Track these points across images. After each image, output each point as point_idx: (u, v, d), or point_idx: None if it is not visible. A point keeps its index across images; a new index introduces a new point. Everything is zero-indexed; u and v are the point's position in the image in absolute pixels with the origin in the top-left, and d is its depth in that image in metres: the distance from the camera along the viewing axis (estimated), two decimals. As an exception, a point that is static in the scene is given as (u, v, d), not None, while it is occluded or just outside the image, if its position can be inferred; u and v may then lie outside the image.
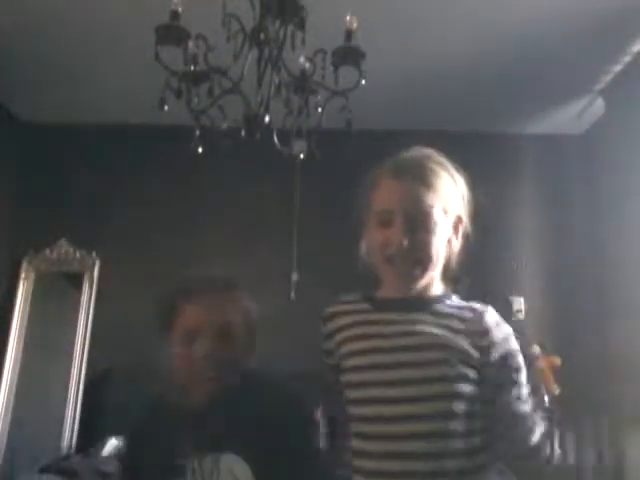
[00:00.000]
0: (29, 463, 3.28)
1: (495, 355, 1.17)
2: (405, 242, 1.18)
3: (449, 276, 1.28)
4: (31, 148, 3.96)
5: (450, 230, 1.25)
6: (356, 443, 1.17)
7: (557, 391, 3.26)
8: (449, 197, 1.24)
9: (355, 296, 1.34)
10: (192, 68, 1.99)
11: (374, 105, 3.19)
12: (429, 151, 1.29)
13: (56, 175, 3.92)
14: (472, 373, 1.14)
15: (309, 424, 1.22)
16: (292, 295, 3.82)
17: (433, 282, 1.26)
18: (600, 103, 3.50)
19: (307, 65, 2.06)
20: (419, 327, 1.19)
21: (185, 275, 1.29)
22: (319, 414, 3.55)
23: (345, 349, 1.23)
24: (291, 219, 3.93)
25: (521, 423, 1.21)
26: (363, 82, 1.99)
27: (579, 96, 3.51)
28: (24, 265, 3.81)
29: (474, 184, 1.31)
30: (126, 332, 3.32)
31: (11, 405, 3.56)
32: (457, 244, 1.27)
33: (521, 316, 3.61)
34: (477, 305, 1.25)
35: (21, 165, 3.92)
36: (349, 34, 1.97)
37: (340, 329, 1.27)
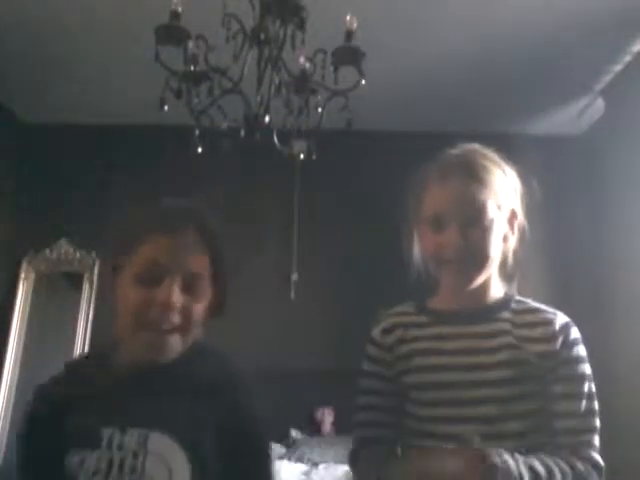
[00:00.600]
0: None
1: (561, 359, 1.13)
2: (461, 243, 1.14)
3: (507, 273, 1.24)
4: (31, 148, 3.96)
5: (505, 226, 1.20)
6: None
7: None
8: (501, 191, 1.19)
9: (409, 307, 1.28)
10: (192, 68, 1.99)
11: (374, 105, 3.19)
12: (475, 146, 1.24)
13: (56, 175, 3.92)
14: (538, 385, 1.12)
15: (263, 423, 1.03)
16: (292, 295, 3.83)
17: (491, 282, 1.22)
18: (600, 103, 3.50)
19: (307, 65, 2.06)
20: (483, 342, 1.15)
21: (147, 208, 1.11)
22: (324, 415, 3.55)
23: (411, 364, 1.18)
24: (291, 219, 3.93)
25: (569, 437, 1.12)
26: (363, 82, 1.99)
27: (579, 96, 3.51)
28: (24, 265, 3.81)
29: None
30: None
31: (11, 405, 3.56)
32: (513, 239, 1.22)
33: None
34: (544, 308, 1.20)
35: (21, 165, 3.91)
36: (349, 34, 1.97)
37: (401, 342, 1.21)
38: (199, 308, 1.01)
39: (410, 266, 1.27)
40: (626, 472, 2.92)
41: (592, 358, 1.18)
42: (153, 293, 0.97)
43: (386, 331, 1.25)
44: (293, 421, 3.45)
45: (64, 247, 3.86)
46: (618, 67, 3.23)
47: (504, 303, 1.21)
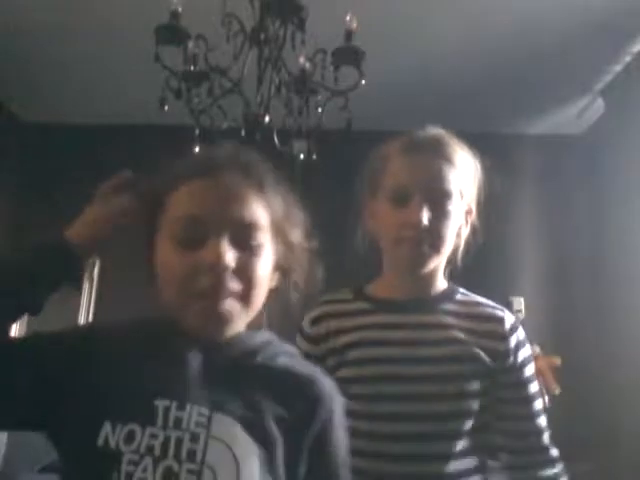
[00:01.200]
0: (29, 463, 3.28)
1: (511, 362, 1.09)
2: (425, 222, 1.05)
3: (450, 269, 1.18)
4: (31, 148, 3.96)
5: (462, 217, 1.14)
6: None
7: (557, 391, 3.28)
8: (467, 180, 1.12)
9: (345, 295, 1.19)
10: (192, 68, 1.99)
11: (374, 105, 3.18)
12: (443, 130, 1.16)
13: (56, 175, 3.92)
14: (486, 382, 1.06)
15: (342, 424, 0.86)
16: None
17: (438, 272, 1.14)
18: (600, 103, 3.50)
19: (307, 65, 2.06)
20: (430, 333, 1.08)
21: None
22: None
23: (348, 356, 1.08)
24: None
25: (529, 439, 1.10)
26: (363, 82, 1.99)
27: (579, 96, 3.51)
28: (24, 265, 3.81)
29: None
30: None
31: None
32: (464, 235, 1.16)
33: (521, 316, 3.60)
34: (491, 304, 1.14)
35: (21, 165, 3.91)
36: (349, 34, 1.97)
37: (334, 333, 1.11)
38: (261, 266, 0.81)
39: (353, 246, 1.20)
40: (627, 474, 2.92)
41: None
42: (199, 256, 0.78)
43: (315, 321, 1.14)
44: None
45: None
46: (618, 67, 3.23)
47: (449, 294, 1.15)
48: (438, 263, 1.12)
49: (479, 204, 1.17)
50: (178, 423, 0.74)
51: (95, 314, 3.73)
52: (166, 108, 2.00)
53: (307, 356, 1.07)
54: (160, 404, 0.75)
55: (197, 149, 2.13)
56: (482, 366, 1.06)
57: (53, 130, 3.96)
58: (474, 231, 1.18)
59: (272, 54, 2.04)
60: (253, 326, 0.88)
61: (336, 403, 0.85)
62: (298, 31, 1.98)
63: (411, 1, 2.77)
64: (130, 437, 0.72)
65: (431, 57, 3.18)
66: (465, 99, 3.49)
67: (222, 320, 0.80)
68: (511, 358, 1.09)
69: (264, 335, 0.88)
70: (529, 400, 1.11)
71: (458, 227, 1.12)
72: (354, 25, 1.97)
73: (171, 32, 1.92)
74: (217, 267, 0.77)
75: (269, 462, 0.76)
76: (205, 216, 0.80)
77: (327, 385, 0.85)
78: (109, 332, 0.86)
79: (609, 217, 3.50)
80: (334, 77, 2.02)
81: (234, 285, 0.79)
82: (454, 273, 1.19)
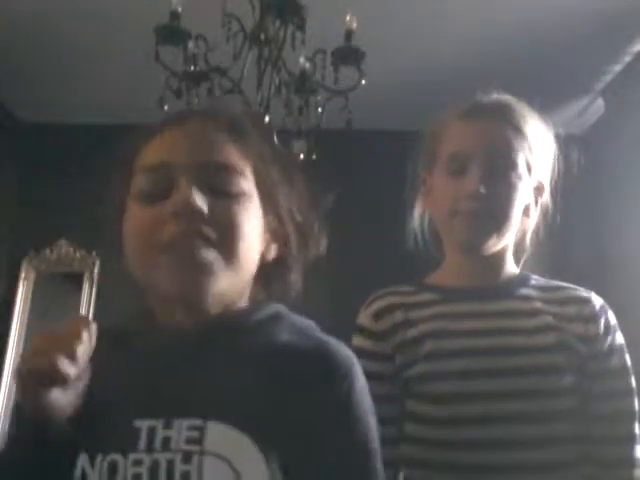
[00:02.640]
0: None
1: (603, 346, 0.94)
2: (482, 190, 0.91)
3: (520, 254, 1.04)
4: (31, 148, 3.95)
5: (531, 196, 0.98)
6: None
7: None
8: (537, 151, 0.97)
9: (405, 287, 1.02)
10: (192, 68, 1.99)
11: (374, 105, 3.18)
12: (512, 97, 1.03)
13: (56, 175, 3.92)
14: (578, 376, 0.91)
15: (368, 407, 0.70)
16: (292, 295, 3.82)
17: (507, 256, 1.00)
18: (600, 103, 3.50)
19: (307, 65, 2.06)
20: (515, 321, 0.93)
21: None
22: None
23: (420, 350, 0.92)
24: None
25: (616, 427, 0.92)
26: (363, 82, 1.99)
27: (579, 96, 3.51)
28: (24, 265, 3.81)
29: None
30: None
31: (11, 405, 3.56)
32: (534, 217, 1.00)
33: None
34: (572, 286, 1.01)
35: (21, 165, 3.91)
36: (349, 34, 1.98)
37: (402, 326, 0.95)
38: (240, 212, 0.69)
39: (409, 231, 1.05)
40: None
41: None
42: (164, 205, 0.68)
43: (378, 314, 0.98)
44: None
45: (64, 247, 3.86)
46: (618, 67, 3.23)
47: (523, 279, 1.01)
48: (503, 244, 0.97)
49: (553, 182, 1.02)
50: (166, 443, 0.63)
51: (95, 314, 3.73)
52: (166, 108, 2.00)
53: (373, 356, 0.94)
54: (143, 425, 0.64)
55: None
56: (576, 355, 0.91)
57: (53, 130, 3.95)
58: (545, 212, 1.02)
59: (272, 54, 2.04)
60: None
61: (354, 374, 0.69)
62: (298, 31, 1.98)
63: (411, 1, 2.77)
64: (112, 469, 0.62)
65: (431, 57, 3.18)
66: (465, 99, 3.48)
67: (199, 271, 0.66)
68: (605, 342, 0.94)
69: (270, 308, 0.75)
70: (620, 394, 0.93)
71: (525, 206, 0.97)
72: (354, 25, 1.97)
73: (171, 32, 1.92)
74: (185, 210, 0.66)
75: (278, 467, 0.63)
76: (171, 162, 0.70)
77: (340, 356, 0.70)
78: None
79: (609, 217, 3.50)
80: (334, 77, 2.02)
81: (208, 231, 0.67)
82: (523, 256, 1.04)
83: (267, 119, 2.06)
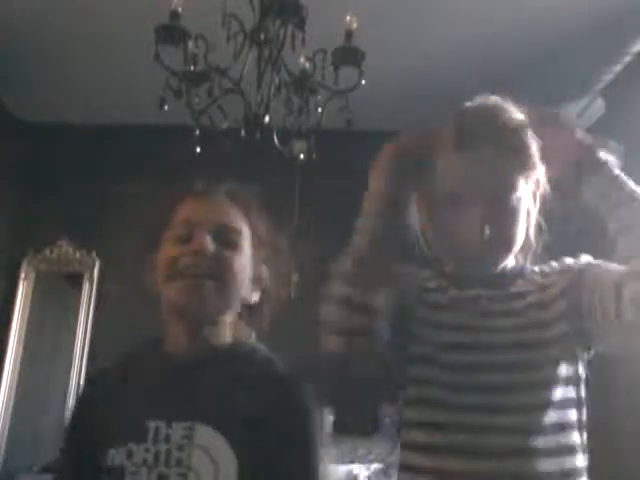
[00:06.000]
0: (29, 463, 3.29)
1: (581, 279, 0.97)
2: (487, 231, 0.92)
3: (525, 252, 1.05)
4: (31, 148, 3.95)
5: (530, 199, 1.00)
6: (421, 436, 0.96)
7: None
8: (531, 161, 0.97)
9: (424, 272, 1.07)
10: (192, 68, 1.99)
11: (374, 105, 3.18)
12: (496, 100, 1.04)
13: (56, 175, 3.92)
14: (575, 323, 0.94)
15: (317, 426, 0.97)
16: (292, 295, 3.82)
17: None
18: (600, 103, 3.50)
19: (307, 65, 2.07)
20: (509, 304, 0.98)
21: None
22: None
23: (428, 321, 0.98)
24: (291, 219, 3.93)
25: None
26: (363, 82, 1.99)
27: (579, 96, 3.51)
28: (24, 265, 3.81)
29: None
30: (126, 332, 3.31)
31: (11, 405, 3.56)
32: (534, 212, 1.02)
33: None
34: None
35: (21, 165, 3.91)
36: (349, 34, 1.98)
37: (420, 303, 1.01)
38: (236, 260, 1.00)
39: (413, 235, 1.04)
40: (628, 475, 2.92)
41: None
42: (186, 246, 0.98)
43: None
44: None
45: (64, 247, 3.86)
46: (618, 67, 3.23)
47: (519, 270, 1.04)
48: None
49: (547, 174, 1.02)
50: (167, 438, 0.92)
51: (95, 314, 3.73)
52: (166, 108, 2.00)
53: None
54: (151, 425, 0.94)
55: (198, 149, 2.14)
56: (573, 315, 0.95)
57: (53, 130, 3.95)
58: (544, 202, 1.02)
59: (272, 54, 2.04)
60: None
61: (312, 408, 0.97)
62: (298, 31, 1.98)
63: (411, 1, 2.77)
64: (129, 454, 0.93)
65: (431, 57, 3.19)
66: (465, 99, 3.49)
67: (200, 295, 0.97)
68: (579, 281, 0.97)
69: (249, 345, 1.05)
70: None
71: (526, 211, 0.99)
72: (354, 25, 1.98)
73: (171, 32, 1.92)
74: (199, 251, 0.97)
75: (245, 464, 0.90)
76: (195, 217, 1.01)
77: (304, 390, 0.99)
78: (96, 382, 1.08)
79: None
80: (334, 77, 2.02)
81: (211, 266, 0.97)
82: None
83: (267, 119, 2.07)
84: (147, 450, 0.93)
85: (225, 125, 2.15)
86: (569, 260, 1.05)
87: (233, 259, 0.99)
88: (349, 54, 1.98)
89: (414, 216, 1.05)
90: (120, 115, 3.83)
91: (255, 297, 1.06)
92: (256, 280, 1.05)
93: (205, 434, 0.92)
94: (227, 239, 1.00)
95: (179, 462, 0.91)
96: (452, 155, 0.96)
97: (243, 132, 2.09)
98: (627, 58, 3.15)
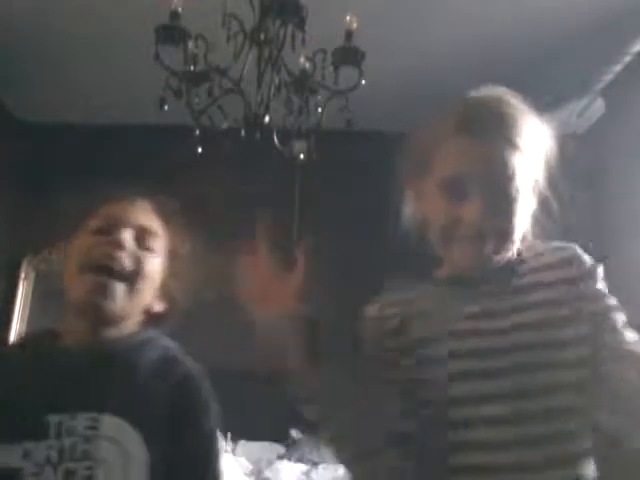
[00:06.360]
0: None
1: (587, 285, 0.96)
2: (486, 218, 0.91)
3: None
4: (31, 148, 3.95)
5: (529, 194, 0.98)
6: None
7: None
8: (532, 155, 0.96)
9: (412, 284, 1.04)
10: (192, 68, 1.99)
11: (374, 105, 3.18)
12: (500, 91, 1.01)
13: (56, 175, 3.92)
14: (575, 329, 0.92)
15: (215, 425, 0.98)
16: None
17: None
18: (600, 103, 3.50)
19: (307, 65, 2.07)
20: (511, 300, 0.95)
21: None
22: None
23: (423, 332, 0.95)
24: (291, 219, 3.93)
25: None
26: (363, 82, 1.99)
27: (579, 96, 3.51)
28: (24, 265, 3.81)
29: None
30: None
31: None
32: (532, 207, 1.00)
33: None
34: (554, 246, 1.03)
35: (21, 165, 3.91)
36: (349, 34, 1.98)
37: (404, 317, 0.98)
38: (150, 262, 1.01)
39: (398, 236, 1.04)
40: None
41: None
42: (105, 237, 0.99)
43: (384, 306, 1.02)
44: (293, 421, 3.45)
45: (64, 247, 3.85)
46: (618, 67, 3.23)
47: (516, 263, 1.01)
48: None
49: (548, 170, 1.01)
50: (71, 431, 0.87)
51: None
52: (166, 108, 2.00)
53: (378, 339, 0.98)
54: (52, 419, 0.88)
55: (199, 150, 2.14)
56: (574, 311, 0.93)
57: (53, 130, 3.95)
58: (544, 200, 1.01)
59: (272, 54, 2.04)
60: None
61: (201, 387, 0.97)
62: (298, 31, 1.98)
63: (411, 1, 2.77)
64: (26, 454, 0.86)
65: (431, 57, 3.18)
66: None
67: (105, 295, 0.96)
68: (586, 280, 0.97)
69: (147, 333, 1.03)
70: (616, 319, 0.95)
71: (524, 203, 0.97)
72: (354, 25, 1.97)
73: (171, 32, 1.92)
74: (117, 243, 0.97)
75: (154, 450, 0.88)
76: (117, 215, 1.04)
77: (194, 370, 0.99)
78: None
79: (609, 217, 3.50)
80: (334, 77, 2.02)
81: (126, 262, 0.97)
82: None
83: (267, 119, 2.07)
84: (50, 447, 0.86)
85: (225, 125, 2.15)
86: (566, 251, 1.02)
87: (148, 261, 1.01)
88: (349, 54, 1.98)
89: (410, 208, 1.04)
90: (120, 115, 3.83)
91: (158, 307, 1.05)
92: (163, 290, 1.05)
93: (112, 424, 0.88)
94: (145, 241, 1.02)
95: (86, 455, 0.86)
96: (454, 139, 0.95)
97: (243, 132, 2.09)
98: (627, 58, 3.15)
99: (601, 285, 1.00)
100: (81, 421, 0.87)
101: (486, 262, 0.95)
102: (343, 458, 0.96)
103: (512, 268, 0.99)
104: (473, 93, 1.02)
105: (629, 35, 2.96)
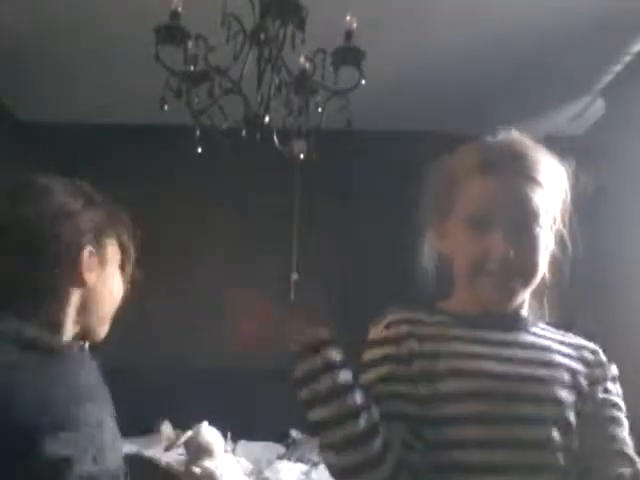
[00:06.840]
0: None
1: (603, 389, 1.00)
2: (511, 254, 0.94)
3: (538, 292, 1.06)
4: (31, 148, 3.96)
5: (549, 234, 1.03)
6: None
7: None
8: (553, 194, 1.02)
9: (418, 308, 1.04)
10: (192, 68, 1.99)
11: (374, 105, 3.18)
12: (518, 135, 1.05)
13: (56, 175, 3.92)
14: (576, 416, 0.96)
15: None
16: (292, 295, 3.82)
17: (526, 300, 1.04)
18: (600, 103, 3.50)
19: (307, 65, 2.07)
20: (529, 352, 0.99)
21: None
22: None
23: (438, 365, 0.95)
24: (291, 219, 3.93)
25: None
26: (363, 82, 1.99)
27: (579, 96, 3.51)
28: (24, 265, 3.80)
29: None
30: (125, 332, 3.31)
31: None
32: (550, 245, 1.04)
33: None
34: (581, 338, 1.07)
35: (21, 165, 3.91)
36: (349, 34, 1.97)
37: (416, 337, 0.98)
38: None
39: (423, 270, 1.07)
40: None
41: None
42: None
43: (392, 324, 1.00)
44: (293, 421, 3.45)
45: None
46: (618, 67, 3.23)
47: (535, 320, 1.05)
48: (527, 292, 1.02)
49: (565, 211, 1.07)
50: None
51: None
52: (166, 108, 2.00)
53: (385, 359, 0.97)
54: None
55: (199, 150, 2.14)
56: (580, 395, 0.98)
57: (53, 130, 3.96)
58: (561, 240, 1.06)
59: (272, 54, 2.04)
60: None
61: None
62: (298, 31, 1.98)
63: (411, 2, 2.77)
64: None
65: (431, 58, 3.19)
66: (465, 99, 3.49)
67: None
68: (606, 386, 1.01)
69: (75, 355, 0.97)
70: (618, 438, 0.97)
71: (545, 244, 1.01)
72: (354, 25, 1.97)
73: (171, 32, 1.92)
74: None
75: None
76: None
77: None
78: None
79: (609, 217, 3.50)
80: (334, 77, 2.02)
81: None
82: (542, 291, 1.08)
83: (267, 119, 2.07)
84: None
85: (225, 125, 2.15)
86: (594, 354, 1.05)
87: None
88: (349, 54, 1.98)
89: (430, 244, 1.07)
90: (120, 115, 3.84)
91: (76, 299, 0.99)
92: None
93: None
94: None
95: None
96: (477, 180, 0.99)
97: (243, 132, 2.09)
98: (627, 58, 3.15)
99: (616, 389, 1.04)
100: None
101: (512, 297, 0.98)
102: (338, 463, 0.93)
103: (527, 320, 1.03)
104: (489, 137, 1.05)
105: (629, 35, 2.96)
